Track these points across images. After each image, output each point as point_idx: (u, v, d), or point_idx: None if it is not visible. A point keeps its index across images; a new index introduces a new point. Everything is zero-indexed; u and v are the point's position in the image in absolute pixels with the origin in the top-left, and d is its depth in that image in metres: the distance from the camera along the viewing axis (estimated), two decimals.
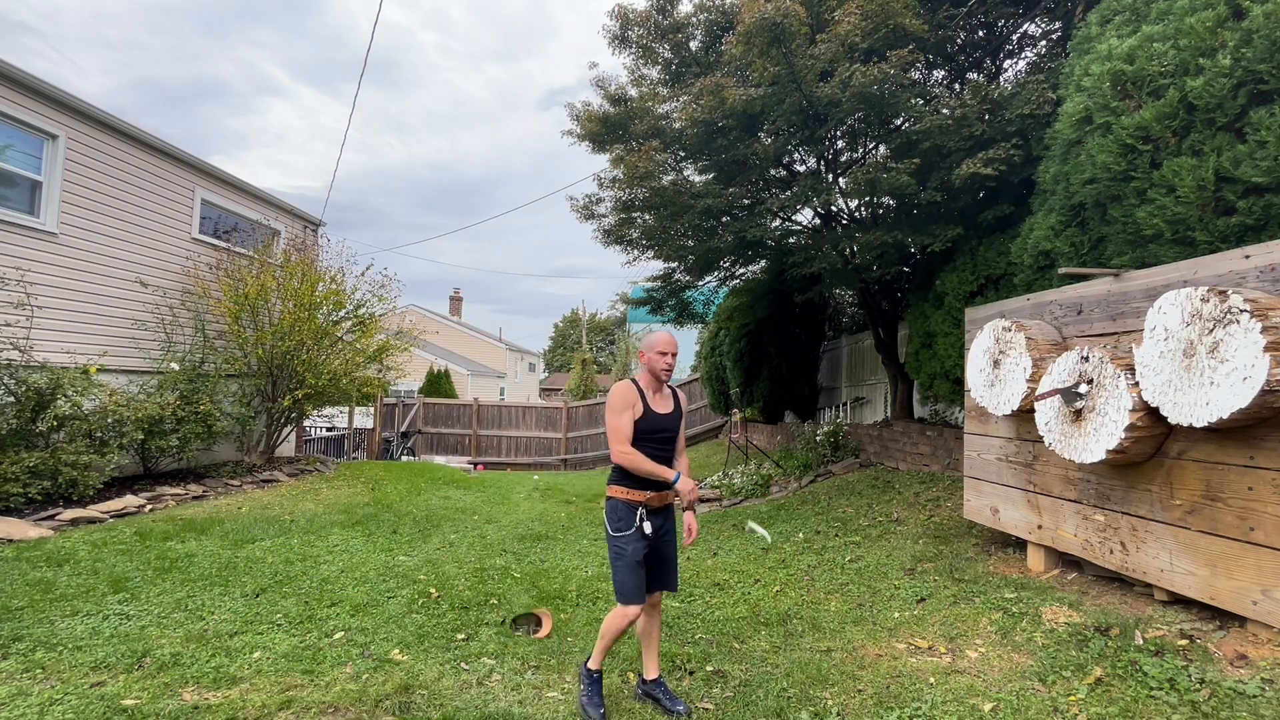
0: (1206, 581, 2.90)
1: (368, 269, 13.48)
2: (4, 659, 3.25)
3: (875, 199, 7.01)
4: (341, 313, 10.12)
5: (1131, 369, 3.09)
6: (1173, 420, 2.83)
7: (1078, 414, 3.33)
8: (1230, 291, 2.63)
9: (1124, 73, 3.70)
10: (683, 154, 7.34)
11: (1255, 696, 2.43)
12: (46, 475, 6.23)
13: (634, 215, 7.76)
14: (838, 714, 2.84)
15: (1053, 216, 4.45)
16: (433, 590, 4.59)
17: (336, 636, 3.76)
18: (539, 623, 4.19)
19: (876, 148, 7.21)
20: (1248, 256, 2.82)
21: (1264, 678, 2.50)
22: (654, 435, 3.04)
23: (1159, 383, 2.89)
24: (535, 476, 12.38)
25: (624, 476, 3.00)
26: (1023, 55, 7.15)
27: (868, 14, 5.53)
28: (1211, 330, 2.67)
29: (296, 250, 10.16)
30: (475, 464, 17.26)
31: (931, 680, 3.01)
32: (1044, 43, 6.85)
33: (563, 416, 18.82)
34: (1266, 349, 2.45)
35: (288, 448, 11.18)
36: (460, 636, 3.84)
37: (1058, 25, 6.49)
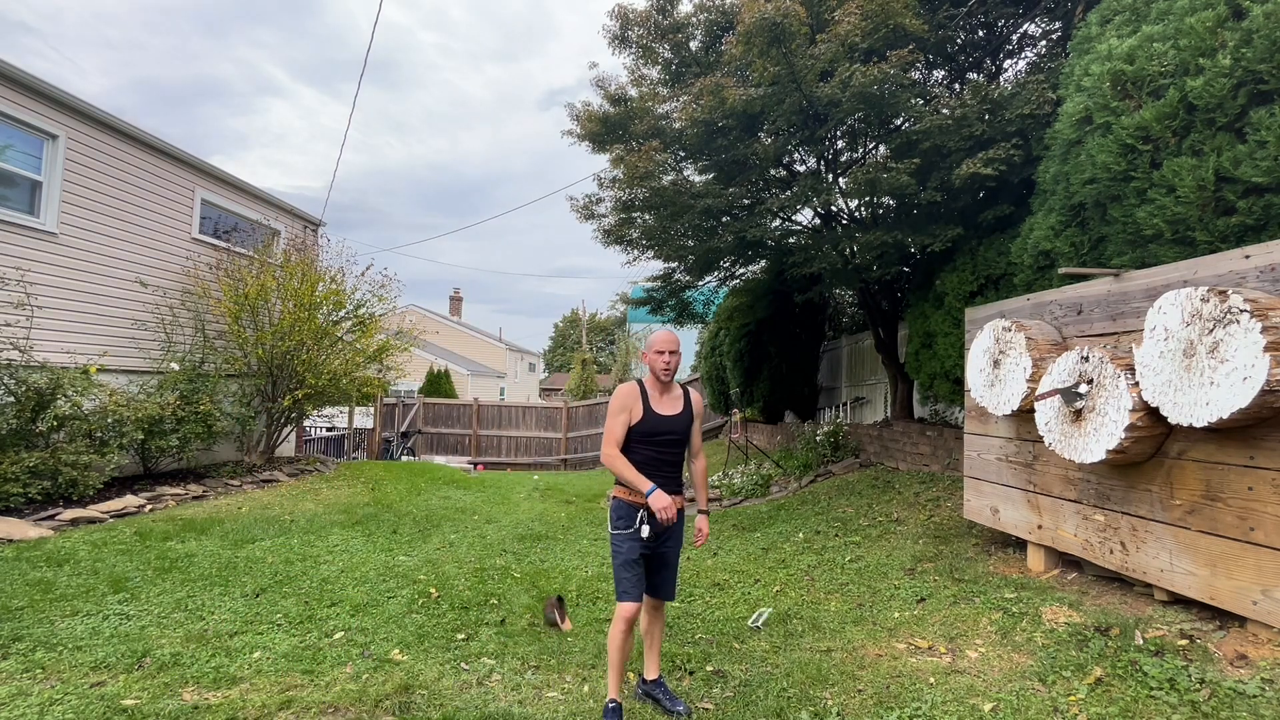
0: (1206, 581, 2.90)
1: (368, 269, 13.48)
2: (4, 659, 3.25)
3: (875, 199, 7.01)
4: (341, 313, 10.12)
5: (1131, 369, 3.09)
6: (1173, 420, 2.83)
7: (1078, 414, 3.33)
8: (1230, 291, 2.63)
9: (1124, 73, 3.70)
10: (683, 154, 7.34)
11: (1255, 696, 2.43)
12: (46, 475, 6.23)
13: (634, 215, 7.76)
14: (838, 714, 2.84)
15: (1053, 216, 4.45)
16: (433, 590, 4.59)
17: (336, 636, 3.76)
18: (562, 606, 4.24)
19: (876, 148, 7.21)
20: (1248, 256, 2.82)
21: (1264, 678, 2.50)
22: (655, 438, 2.95)
23: (1159, 383, 2.89)
24: (535, 476, 12.38)
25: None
26: (1023, 55, 7.15)
27: (868, 14, 5.53)
28: (1211, 330, 2.67)
29: (296, 250, 10.16)
30: (475, 464, 17.26)
31: (931, 680, 3.01)
32: (1044, 43, 6.86)
33: (563, 416, 18.82)
34: (1266, 349, 2.45)
35: (288, 448, 11.18)
36: (460, 636, 3.84)
37: (1058, 25, 6.49)
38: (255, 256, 9.72)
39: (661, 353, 2.97)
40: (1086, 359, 3.31)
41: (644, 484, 2.83)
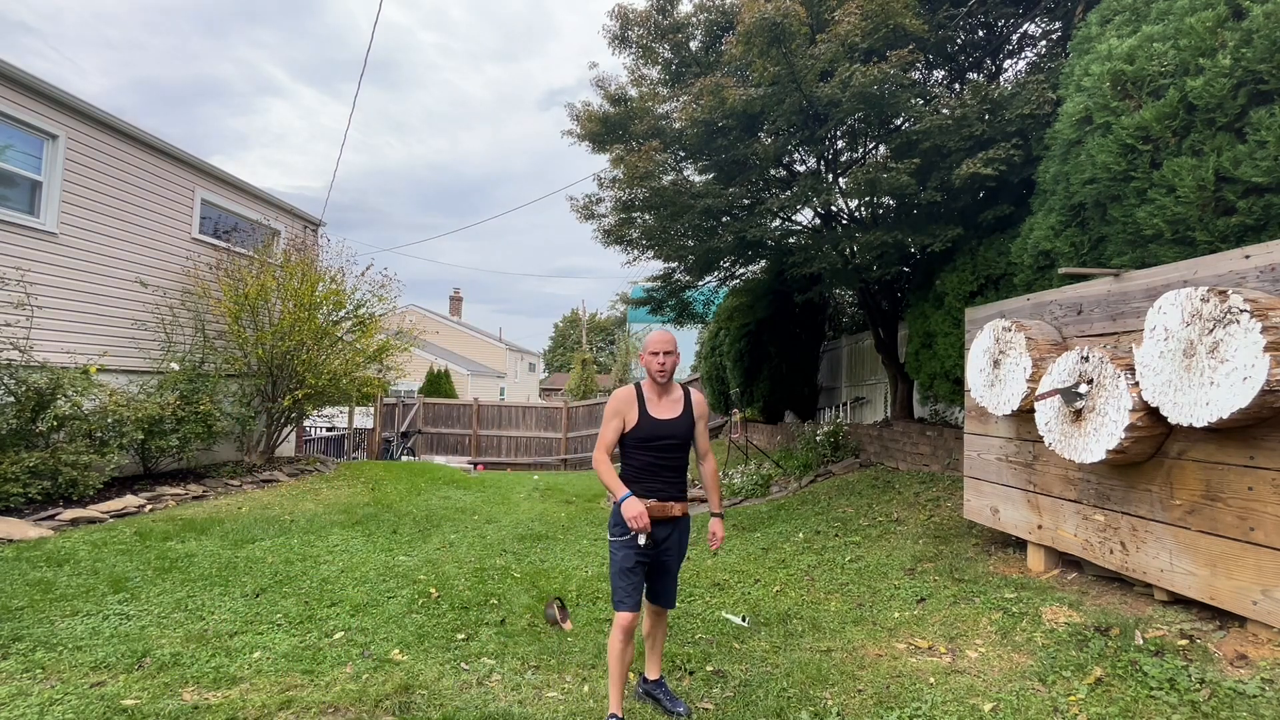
0: (1206, 581, 2.90)
1: (368, 269, 13.49)
2: (4, 659, 3.25)
3: (875, 199, 7.01)
4: (341, 313, 10.12)
5: (1131, 369, 3.09)
6: (1173, 420, 2.83)
7: (1078, 414, 3.33)
8: (1230, 291, 2.63)
9: (1124, 73, 3.70)
10: (683, 154, 7.34)
11: (1255, 696, 2.43)
12: (46, 475, 6.23)
13: (634, 215, 7.76)
14: (838, 714, 2.84)
15: (1053, 216, 4.45)
16: (433, 590, 4.59)
17: (336, 636, 3.76)
18: (563, 607, 4.24)
19: (876, 148, 7.21)
20: (1248, 256, 2.82)
21: (1264, 678, 2.50)
22: (652, 443, 2.85)
23: (1159, 383, 2.89)
24: (535, 476, 12.38)
25: (626, 482, 2.84)
26: (1023, 55, 7.16)
27: (868, 14, 5.53)
28: (1211, 330, 2.67)
29: (296, 250, 10.16)
30: (475, 464, 17.26)
31: (931, 680, 3.01)
32: (1044, 43, 6.86)
33: (563, 416, 18.82)
34: (1266, 349, 2.45)
35: (288, 448, 11.18)
36: (460, 636, 3.84)
37: (1058, 25, 6.49)
38: (255, 256, 9.72)
39: (656, 354, 2.88)
40: (1086, 359, 3.31)
41: (619, 490, 2.74)
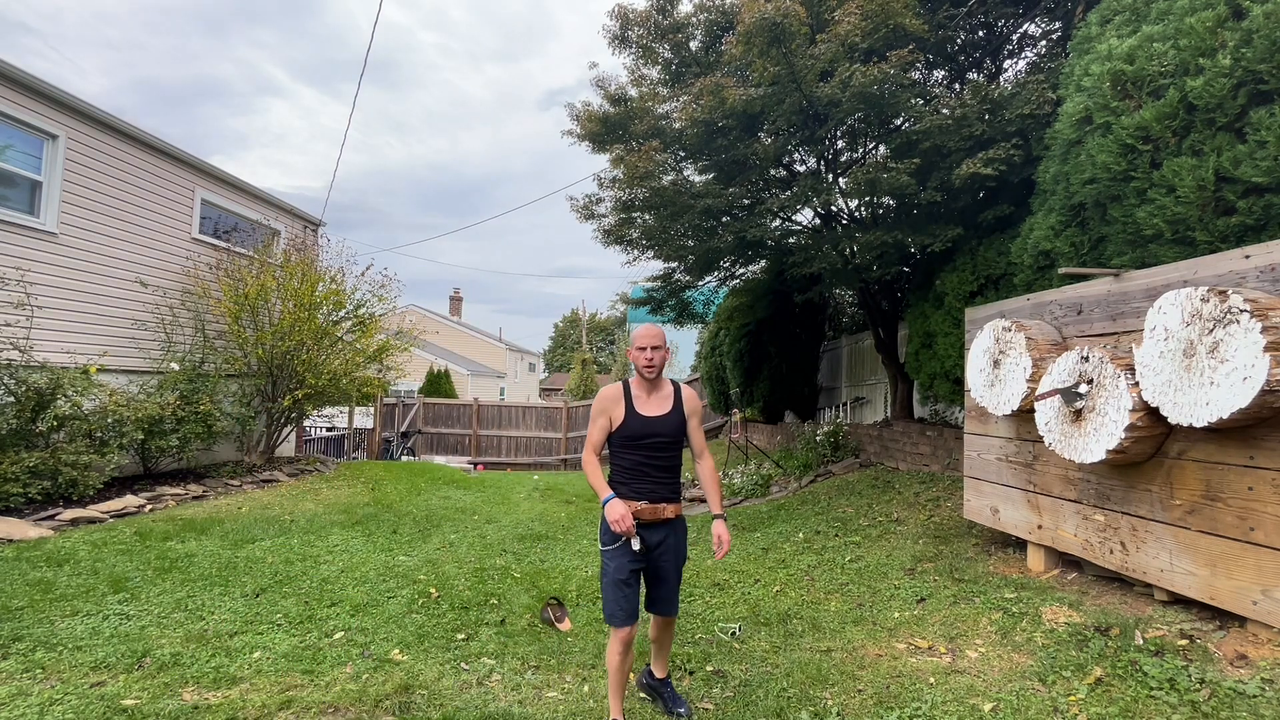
0: (1206, 581, 2.90)
1: (368, 269, 13.48)
2: (4, 659, 3.25)
3: (875, 199, 7.01)
4: (341, 313, 10.12)
5: (1131, 369, 3.09)
6: (1173, 420, 2.83)
7: (1078, 414, 3.33)
8: (1230, 291, 2.63)
9: (1124, 73, 3.70)
10: (683, 154, 7.34)
11: (1255, 696, 2.43)
12: (46, 475, 6.23)
13: (634, 215, 7.76)
14: (838, 714, 2.84)
15: (1053, 216, 4.45)
16: (433, 590, 4.59)
17: (336, 636, 3.76)
18: (560, 607, 4.24)
19: (876, 148, 7.21)
20: (1248, 256, 2.82)
21: (1264, 678, 2.50)
22: (641, 441, 2.72)
23: (1159, 383, 2.89)
24: (535, 476, 12.38)
25: (615, 484, 2.74)
26: (1023, 55, 7.16)
27: (868, 14, 5.53)
28: (1211, 330, 2.67)
29: (296, 250, 10.16)
30: (475, 464, 17.26)
31: (931, 680, 3.01)
32: (1044, 43, 6.86)
33: (563, 416, 18.82)
34: (1266, 349, 2.45)
35: (288, 448, 11.18)
36: (460, 636, 3.84)
37: (1058, 25, 6.49)
38: (255, 256, 9.72)
39: (644, 348, 2.75)
40: (1086, 359, 3.31)
41: (603, 492, 2.64)
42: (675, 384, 2.89)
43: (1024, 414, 3.90)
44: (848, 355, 11.03)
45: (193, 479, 8.13)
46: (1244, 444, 2.74)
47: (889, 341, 8.26)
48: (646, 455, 2.74)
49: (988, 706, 2.72)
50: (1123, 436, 3.04)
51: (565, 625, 4.09)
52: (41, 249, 7.23)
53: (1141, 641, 2.91)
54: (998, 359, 4.04)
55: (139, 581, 4.46)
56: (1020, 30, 6.96)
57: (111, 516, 6.24)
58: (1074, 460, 3.36)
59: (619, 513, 2.58)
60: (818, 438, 9.01)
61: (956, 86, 7.08)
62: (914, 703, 2.83)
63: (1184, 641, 2.84)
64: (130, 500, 6.65)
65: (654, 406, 2.78)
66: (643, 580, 2.80)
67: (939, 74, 7.41)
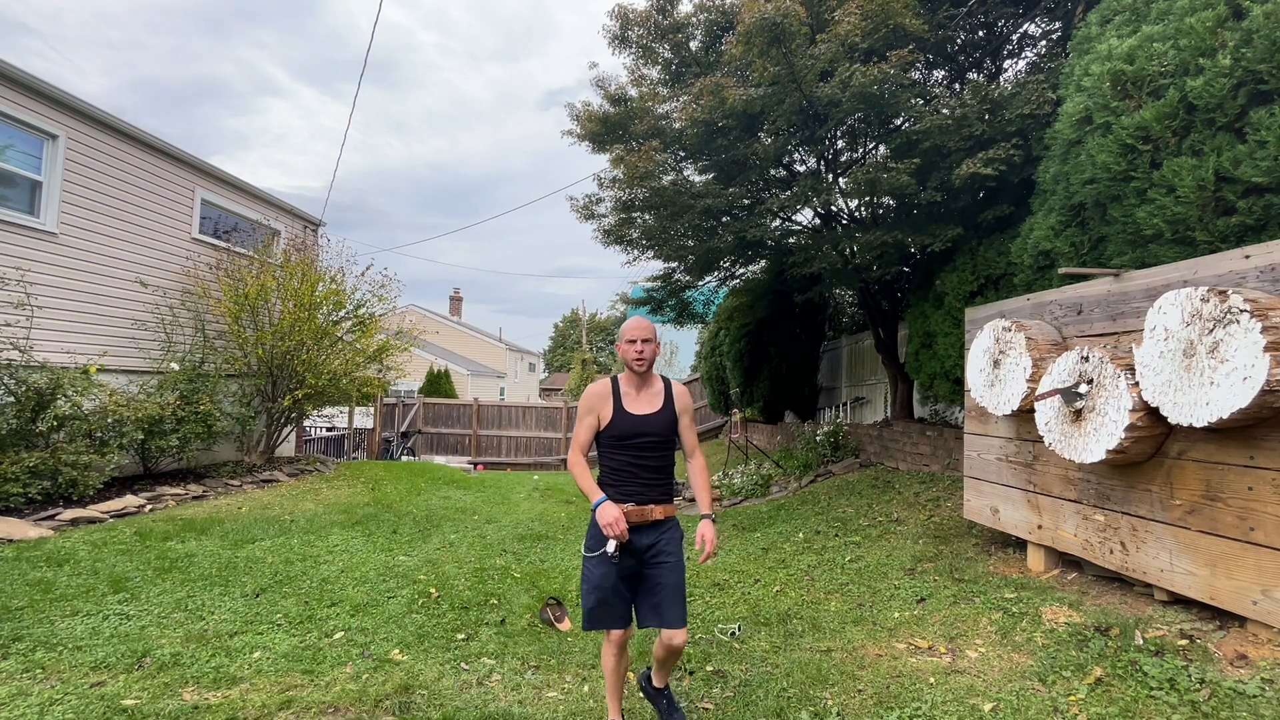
0: (1206, 581, 2.90)
1: (368, 269, 13.48)
2: (4, 659, 3.25)
3: (875, 199, 7.01)
4: (341, 313, 10.12)
5: (1131, 369, 3.09)
6: (1173, 420, 2.83)
7: (1078, 414, 3.33)
8: (1230, 291, 2.63)
9: (1124, 73, 3.70)
10: (683, 154, 7.34)
11: (1255, 696, 2.43)
12: (46, 475, 6.23)
13: (634, 215, 7.76)
14: (838, 714, 2.84)
15: (1053, 216, 4.45)
16: (433, 590, 4.59)
17: (336, 636, 3.76)
18: (559, 607, 4.23)
19: (876, 148, 7.21)
20: (1248, 256, 2.82)
21: (1264, 678, 2.50)
22: (629, 441, 2.58)
23: (1159, 383, 2.89)
24: (535, 476, 12.38)
25: (603, 485, 2.60)
26: (1023, 55, 7.16)
27: (868, 14, 5.53)
28: (1211, 330, 2.67)
29: (296, 250, 10.16)
30: (475, 464, 17.26)
31: (931, 680, 3.01)
32: (1044, 43, 6.86)
33: (563, 416, 18.82)
34: (1266, 349, 2.45)
35: (288, 448, 11.18)
36: (460, 636, 3.84)
37: (1058, 25, 6.49)
38: (255, 256, 9.72)
39: (633, 341, 2.61)
40: (1086, 359, 3.31)
41: (594, 494, 2.50)
42: (666, 380, 2.75)
43: (1024, 414, 3.90)
44: (848, 355, 11.03)
45: (193, 479, 8.13)
46: (1244, 444, 2.74)
47: (889, 341, 8.26)
48: (635, 455, 2.60)
49: (988, 706, 2.72)
50: (1123, 436, 3.04)
51: (565, 625, 4.09)
52: (41, 249, 7.23)
53: (1141, 641, 2.91)
54: (998, 359, 4.04)
55: (139, 581, 4.46)
56: (1020, 30, 6.96)
57: (111, 516, 6.24)
58: (1074, 460, 3.36)
59: (612, 516, 2.44)
60: (818, 438, 9.01)
61: (956, 86, 7.08)
62: (914, 703, 2.83)
63: (1184, 641, 2.84)
64: (130, 500, 6.65)
65: (644, 404, 2.64)
66: (638, 590, 2.62)
67: (939, 74, 7.41)
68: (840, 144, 7.38)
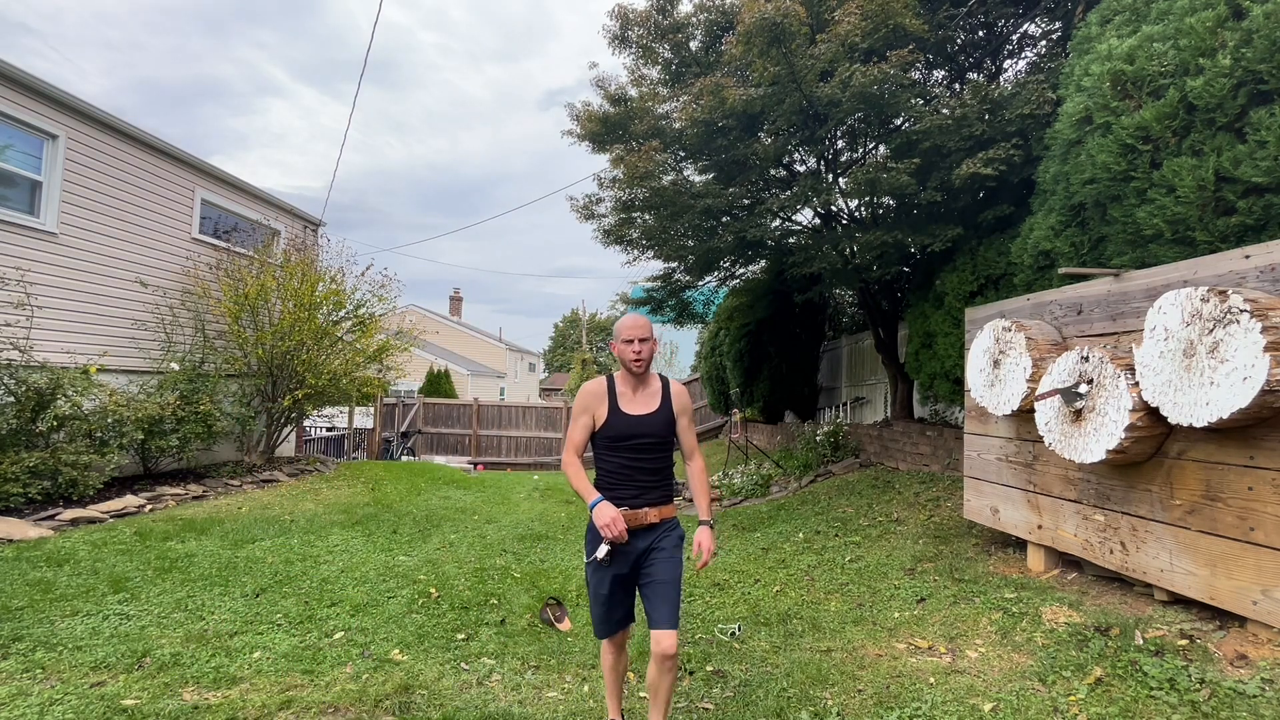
0: (1206, 581, 2.90)
1: (368, 269, 13.48)
2: (4, 659, 3.25)
3: (875, 199, 7.01)
4: (341, 313, 10.12)
5: (1131, 369, 3.09)
6: (1173, 420, 2.83)
7: (1078, 414, 3.33)
8: (1230, 291, 2.63)
9: (1124, 73, 3.70)
10: (683, 154, 7.34)
11: (1255, 696, 2.43)
12: (46, 475, 6.23)
13: (634, 215, 7.76)
14: (838, 714, 2.84)
15: (1053, 216, 4.45)
16: (433, 590, 4.59)
17: (336, 636, 3.76)
18: (559, 607, 4.23)
19: (876, 148, 7.21)
20: (1248, 256, 2.82)
21: (1264, 678, 2.50)
22: (625, 443, 2.49)
23: (1159, 383, 2.89)
24: (535, 476, 12.38)
25: (598, 488, 2.52)
26: (1023, 55, 7.16)
27: (868, 14, 5.53)
28: (1211, 330, 2.67)
29: (296, 250, 10.17)
30: (475, 464, 17.26)
31: (931, 680, 3.01)
32: (1044, 43, 6.86)
33: (563, 416, 18.81)
34: (1266, 349, 2.45)
35: (288, 448, 11.18)
36: (460, 636, 3.84)
37: (1058, 25, 6.49)
38: (255, 256, 9.72)
39: (630, 341, 2.50)
40: (1086, 359, 3.31)
41: (590, 495, 2.43)
42: (664, 379, 2.65)
43: (1024, 414, 3.90)
44: (848, 355, 11.03)
45: (193, 479, 8.13)
46: (1244, 444, 2.74)
47: (889, 341, 8.26)
48: (630, 458, 2.51)
49: (988, 706, 2.72)
50: (1123, 436, 3.04)
51: (565, 625, 4.09)
52: (41, 249, 7.23)
53: (1141, 641, 2.91)
54: (998, 359, 4.04)
55: (139, 581, 4.46)
56: (1020, 30, 6.96)
57: (111, 516, 6.23)
58: (1074, 460, 3.36)
59: (609, 516, 2.35)
60: (818, 438, 9.01)
61: (956, 86, 7.08)
62: (914, 703, 2.83)
63: (1184, 641, 2.84)
64: (130, 500, 6.65)
65: (640, 405, 2.54)
66: (638, 593, 2.57)
67: (939, 74, 7.41)
68: (840, 144, 7.38)
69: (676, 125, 6.85)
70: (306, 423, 13.33)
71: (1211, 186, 3.32)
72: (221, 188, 10.04)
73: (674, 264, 8.70)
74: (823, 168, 7.50)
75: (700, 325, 11.54)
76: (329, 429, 15.96)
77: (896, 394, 8.31)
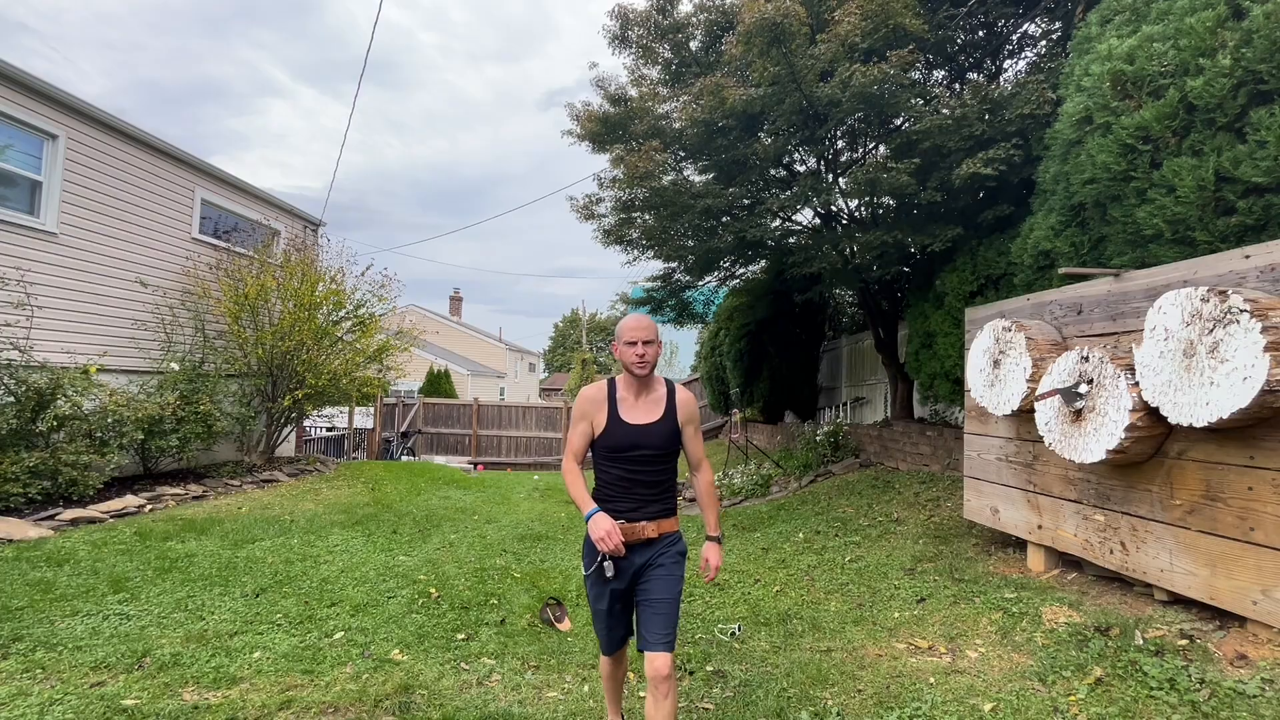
0: (1206, 581, 2.90)
1: (368, 269, 13.50)
2: (4, 659, 3.25)
3: (875, 199, 7.01)
4: (341, 313, 10.12)
5: (1131, 369, 3.09)
6: (1173, 420, 2.83)
7: (1078, 414, 3.33)
8: (1230, 291, 2.63)
9: (1124, 73, 3.70)
10: (683, 154, 7.34)
11: (1255, 696, 2.44)
12: (46, 475, 6.22)
13: (634, 215, 7.76)
14: (838, 714, 2.84)
15: (1053, 216, 4.45)
16: (433, 590, 4.59)
17: (336, 636, 3.76)
18: (559, 607, 4.24)
19: (876, 148, 7.21)
20: (1248, 256, 2.82)
21: (1264, 678, 2.50)
22: (625, 454, 2.32)
23: (1159, 383, 2.89)
24: (535, 476, 12.38)
25: (596, 499, 2.38)
26: (1023, 55, 7.16)
27: (868, 14, 5.53)
28: (1211, 330, 2.67)
29: (296, 250, 10.16)
30: (475, 464, 17.26)
31: (931, 680, 3.01)
32: (1044, 43, 6.86)
33: (563, 416, 18.81)
34: (1266, 349, 2.45)
35: (288, 448, 11.18)
36: (460, 636, 3.84)
37: (1058, 25, 6.49)
38: (255, 256, 9.72)
39: (633, 343, 2.30)
40: (1086, 359, 3.31)
41: (586, 505, 2.28)
42: (669, 384, 2.45)
43: (1024, 414, 3.90)
44: (848, 355, 11.03)
45: (193, 479, 8.13)
46: (1244, 444, 2.74)
47: (889, 341, 8.26)
48: (628, 469, 2.33)
49: (988, 706, 2.72)
50: (1123, 436, 3.04)
51: (565, 625, 4.09)
52: (41, 249, 7.23)
53: (1141, 641, 2.91)
54: (998, 359, 4.04)
55: (139, 581, 4.46)
56: (1020, 30, 6.96)
57: (111, 516, 6.23)
58: (1074, 460, 3.36)
59: (604, 528, 2.21)
60: (818, 438, 9.01)
61: (956, 86, 7.08)
62: (914, 703, 2.83)
63: (1184, 641, 2.84)
64: (130, 500, 6.65)
65: (643, 412, 2.35)
66: (634, 607, 2.43)
67: (939, 74, 7.41)
68: (840, 144, 7.38)
69: (676, 125, 6.86)
70: (306, 423, 13.33)
71: (1211, 186, 3.32)
72: (221, 188, 10.04)
73: (674, 264, 8.70)
74: (823, 168, 7.50)
75: (700, 325, 11.54)
76: (329, 429, 15.97)
77: (896, 394, 8.31)
